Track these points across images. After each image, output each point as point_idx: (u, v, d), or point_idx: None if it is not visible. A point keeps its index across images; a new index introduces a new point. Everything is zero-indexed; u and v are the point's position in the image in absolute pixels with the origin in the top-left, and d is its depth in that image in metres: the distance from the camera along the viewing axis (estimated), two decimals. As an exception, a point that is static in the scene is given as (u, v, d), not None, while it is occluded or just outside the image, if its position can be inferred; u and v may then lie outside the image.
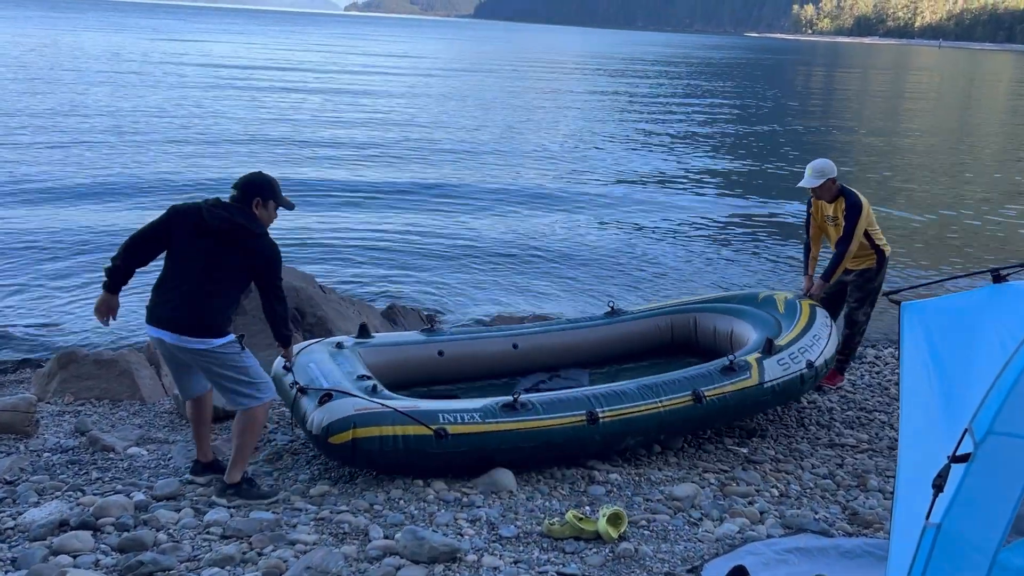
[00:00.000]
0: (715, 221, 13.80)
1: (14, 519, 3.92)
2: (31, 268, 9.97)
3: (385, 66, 50.30)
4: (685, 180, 17.70)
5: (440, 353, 5.68)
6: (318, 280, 8.13)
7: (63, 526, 3.84)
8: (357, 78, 40.18)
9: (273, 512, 4.14)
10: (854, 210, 6.15)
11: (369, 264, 11.06)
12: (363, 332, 5.60)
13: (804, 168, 6.26)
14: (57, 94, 25.76)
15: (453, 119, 26.22)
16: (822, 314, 6.07)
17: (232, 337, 4.24)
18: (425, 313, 9.39)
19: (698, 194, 16.10)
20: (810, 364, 5.53)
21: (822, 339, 5.76)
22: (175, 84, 31.33)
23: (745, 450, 5.46)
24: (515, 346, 5.94)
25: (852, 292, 6.45)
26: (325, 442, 4.50)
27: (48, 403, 5.85)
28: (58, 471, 4.63)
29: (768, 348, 5.47)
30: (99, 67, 36.04)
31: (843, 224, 6.17)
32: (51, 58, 38.97)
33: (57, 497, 4.22)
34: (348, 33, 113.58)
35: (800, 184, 6.26)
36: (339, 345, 5.34)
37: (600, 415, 4.87)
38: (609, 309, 6.45)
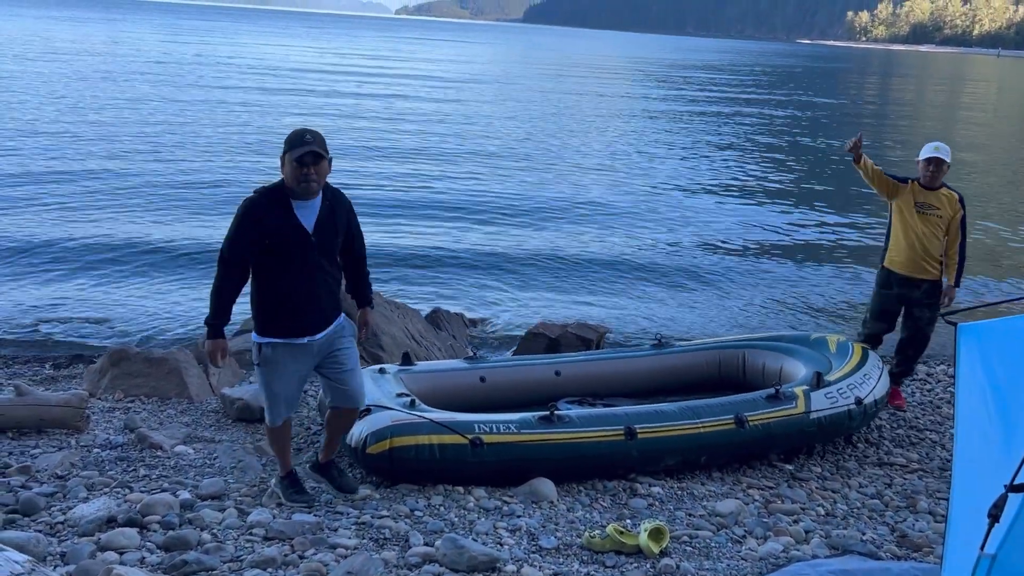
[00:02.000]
0: (768, 252, 12.82)
1: (64, 513, 4.00)
2: (88, 263, 10.20)
3: (434, 71, 50.62)
4: (735, 201, 17.37)
5: (482, 379, 5.67)
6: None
7: (111, 522, 3.91)
8: (407, 82, 40.47)
9: (315, 515, 4.17)
10: (964, 204, 6.17)
11: (414, 268, 11.11)
12: (406, 360, 5.66)
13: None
14: (111, 103, 26.34)
15: (502, 127, 26.26)
16: (874, 357, 6.02)
17: (255, 339, 4.07)
18: (469, 319, 9.44)
19: (747, 218, 15.33)
20: (859, 400, 5.46)
21: (872, 378, 5.68)
22: (228, 87, 31.86)
23: (791, 467, 5.37)
24: (558, 373, 5.89)
25: (922, 310, 6.25)
26: (364, 453, 4.58)
27: (99, 399, 5.97)
28: (107, 467, 4.72)
29: (817, 381, 5.43)
30: (159, 70, 36.78)
31: (941, 217, 6.07)
32: (111, 61, 39.89)
33: (105, 493, 4.30)
34: (399, 36, 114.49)
35: (932, 154, 6.07)
36: (382, 371, 5.42)
37: (638, 431, 4.85)
38: (656, 340, 6.42)
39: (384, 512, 4.26)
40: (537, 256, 11.97)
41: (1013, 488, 2.32)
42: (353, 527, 4.08)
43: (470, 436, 4.60)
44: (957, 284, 6.22)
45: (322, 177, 3.90)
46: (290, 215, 3.90)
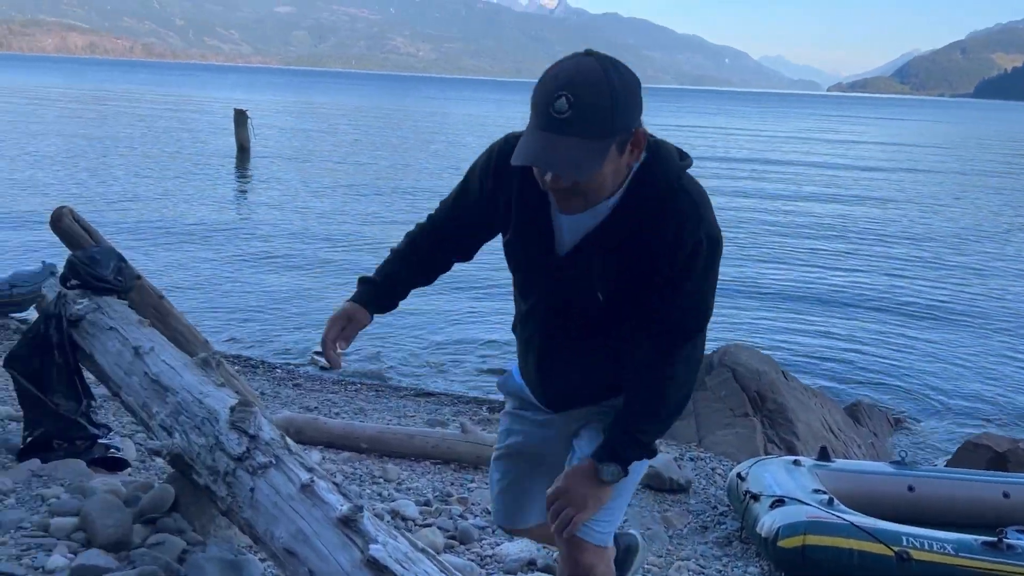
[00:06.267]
0: None
1: (492, 548, 4.37)
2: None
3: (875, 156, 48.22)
4: None
5: (910, 488, 5.17)
6: (781, 366, 7.95)
7: (531, 564, 4.18)
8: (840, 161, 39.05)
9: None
10: None
11: (835, 356, 10.56)
12: (823, 455, 5.37)
13: None
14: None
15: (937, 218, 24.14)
16: None
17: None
18: (893, 416, 8.70)
19: None
20: None
21: None
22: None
23: None
24: (1006, 495, 5.14)
25: None
26: (774, 545, 4.40)
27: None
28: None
29: None
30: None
31: None
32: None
33: (528, 536, 4.62)
34: (835, 115, 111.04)
35: None
36: (797, 463, 5.21)
37: None
38: None
39: (791, 611, 4.05)
40: (977, 358, 10.71)
41: None
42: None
43: (896, 548, 4.20)
44: None
45: (596, 188, 1.84)
46: (542, 212, 1.99)
